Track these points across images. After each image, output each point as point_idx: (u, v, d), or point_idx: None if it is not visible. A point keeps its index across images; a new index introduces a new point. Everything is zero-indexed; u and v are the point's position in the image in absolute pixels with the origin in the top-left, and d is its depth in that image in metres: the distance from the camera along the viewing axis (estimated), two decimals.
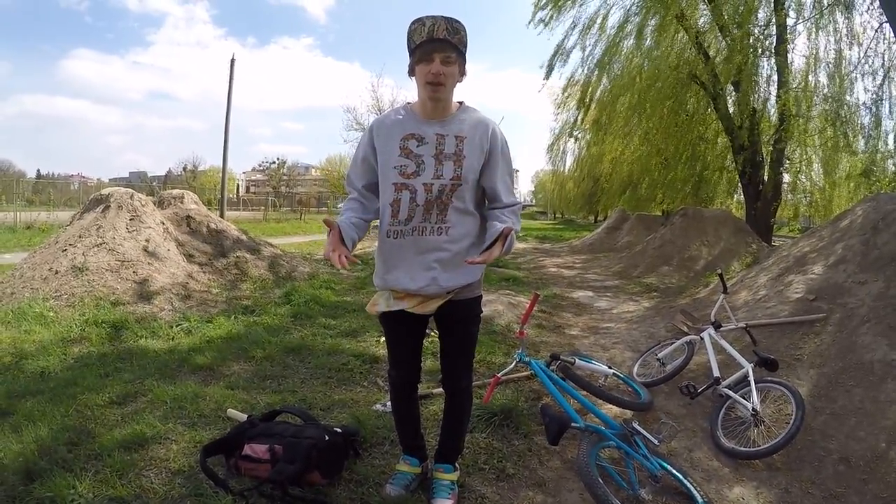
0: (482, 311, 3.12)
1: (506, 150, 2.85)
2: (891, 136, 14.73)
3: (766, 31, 14.99)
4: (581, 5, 18.67)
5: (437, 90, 2.58)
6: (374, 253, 2.94)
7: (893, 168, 15.61)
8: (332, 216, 2.72)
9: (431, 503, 3.01)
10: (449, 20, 2.53)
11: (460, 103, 2.82)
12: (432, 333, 5.52)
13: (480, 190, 2.85)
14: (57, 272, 7.32)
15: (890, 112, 14.42)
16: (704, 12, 16.62)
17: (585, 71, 20.40)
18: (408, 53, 2.63)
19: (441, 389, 4.61)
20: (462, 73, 2.68)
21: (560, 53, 19.85)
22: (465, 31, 2.59)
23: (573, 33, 19.28)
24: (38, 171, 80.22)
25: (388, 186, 2.70)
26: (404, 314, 2.82)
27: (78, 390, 4.37)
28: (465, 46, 2.62)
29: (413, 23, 2.57)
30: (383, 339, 6.02)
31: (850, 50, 14.33)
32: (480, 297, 3.05)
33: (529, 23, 19.60)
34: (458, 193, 2.71)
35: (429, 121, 2.71)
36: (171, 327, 6.46)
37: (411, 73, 2.66)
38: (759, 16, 14.81)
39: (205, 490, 3.01)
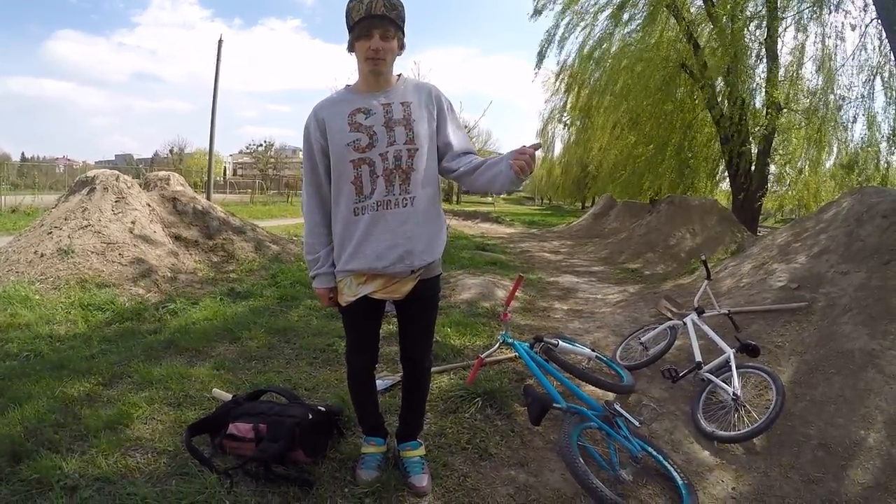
0: (441, 290, 3.13)
1: (452, 109, 2.91)
2: (878, 131, 14.73)
3: (756, 23, 15.00)
4: None
5: (377, 64, 2.64)
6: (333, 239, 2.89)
7: (883, 162, 15.67)
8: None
9: (409, 481, 3.04)
10: None
11: (399, 75, 2.86)
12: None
13: (436, 161, 2.87)
14: (42, 255, 7.29)
15: (878, 107, 14.51)
16: (696, 2, 16.63)
17: (576, 57, 20.41)
18: (347, 30, 2.67)
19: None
20: (401, 47, 2.74)
21: (550, 41, 19.83)
22: (402, 6, 2.63)
23: (564, 19, 19.25)
24: (23, 154, 79.47)
25: (345, 166, 2.69)
26: (364, 297, 2.82)
27: (64, 372, 4.38)
28: (404, 21, 2.67)
29: (351, 0, 2.60)
30: None
31: (839, 45, 14.39)
32: (440, 275, 3.05)
33: (531, 16, 19.56)
34: (416, 161, 2.72)
35: (371, 93, 2.74)
36: (157, 309, 6.47)
37: (351, 49, 2.70)
38: (750, 7, 14.82)
39: (190, 469, 3.03)
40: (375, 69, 2.66)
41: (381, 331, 3.17)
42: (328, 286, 2.86)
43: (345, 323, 3.10)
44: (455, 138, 2.88)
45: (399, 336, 3.15)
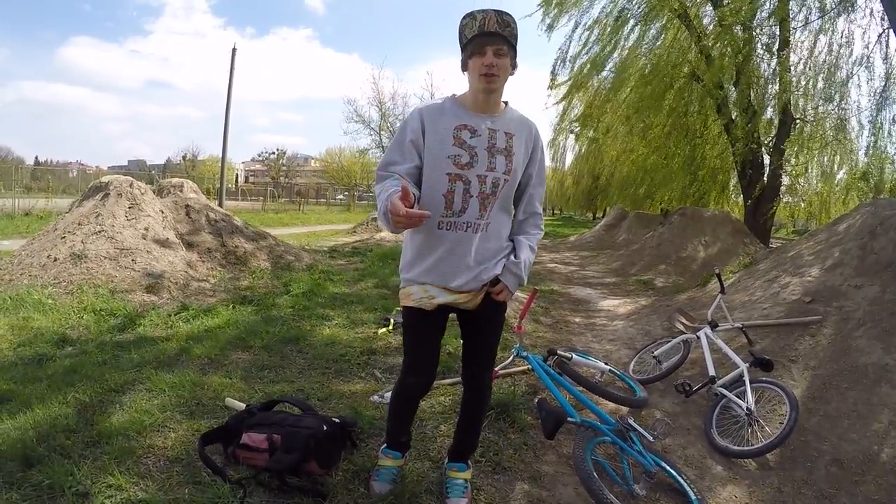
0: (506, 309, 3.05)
1: (543, 150, 2.90)
2: (889, 141, 14.68)
3: (768, 32, 14.99)
4: (584, 5, 18.67)
5: (491, 81, 2.59)
6: (406, 246, 2.89)
7: (891, 174, 15.59)
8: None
9: (446, 502, 3.01)
10: (499, 13, 2.55)
11: (505, 103, 2.83)
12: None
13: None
14: (55, 259, 7.33)
15: (891, 117, 14.41)
16: (707, 12, 16.60)
17: (587, 69, 20.39)
18: (460, 48, 2.67)
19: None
20: (513, 67, 2.70)
21: (563, 59, 19.98)
22: (515, 23, 2.60)
23: (575, 34, 19.31)
24: (37, 158, 79.76)
25: (440, 177, 2.65)
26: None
27: (76, 378, 4.37)
28: (516, 39, 2.64)
29: (464, 17, 2.61)
30: (381, 331, 6.04)
31: (851, 54, 14.33)
32: None
33: (539, 27, 19.61)
34: (504, 190, 2.72)
35: (479, 114, 2.71)
36: (170, 316, 6.47)
37: (464, 67, 2.69)
38: (762, 17, 14.80)
39: (203, 478, 3.03)
40: (489, 87, 2.62)
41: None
42: (397, 188, 2.39)
43: (406, 334, 3.03)
44: (534, 178, 2.87)
45: (462, 351, 3.10)
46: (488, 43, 2.54)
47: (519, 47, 2.65)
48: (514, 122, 2.77)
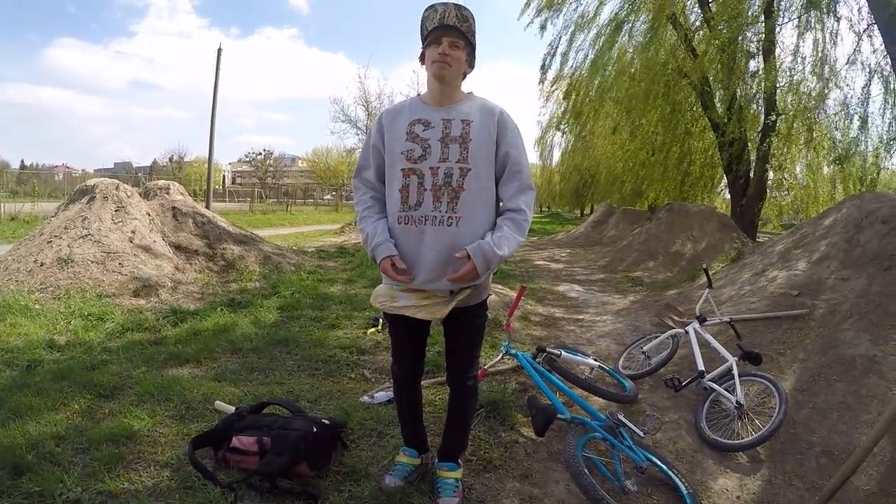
0: (487, 308, 3.07)
1: (516, 136, 2.82)
2: (874, 136, 14.74)
3: (754, 29, 15.02)
4: (575, 3, 18.76)
5: (442, 67, 2.65)
6: None
7: (880, 165, 15.65)
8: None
9: (437, 501, 2.98)
10: (459, 7, 2.62)
11: (469, 93, 2.87)
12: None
13: (493, 182, 2.79)
14: (42, 264, 7.28)
15: (875, 110, 14.51)
16: (695, 10, 16.66)
17: (575, 65, 20.49)
18: (421, 41, 2.75)
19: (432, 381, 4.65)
20: (470, 65, 2.78)
21: (553, 54, 20.12)
22: (473, 20, 2.67)
23: (566, 33, 19.42)
24: (22, 161, 79.25)
25: (396, 173, 2.73)
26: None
27: (65, 384, 4.34)
28: (474, 36, 2.71)
29: (426, 9, 2.68)
30: (370, 331, 6.05)
31: (836, 50, 14.45)
32: (486, 299, 3.00)
33: (522, 17, 19.71)
34: (469, 180, 2.67)
35: (436, 107, 2.76)
36: (158, 319, 6.43)
37: (422, 58, 2.76)
38: (749, 14, 14.83)
39: (193, 482, 3.01)
40: (440, 73, 2.68)
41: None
42: (389, 254, 2.69)
43: (389, 328, 3.14)
44: (509, 158, 2.76)
45: (445, 353, 3.14)
46: (446, 34, 2.64)
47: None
48: (474, 109, 2.78)
